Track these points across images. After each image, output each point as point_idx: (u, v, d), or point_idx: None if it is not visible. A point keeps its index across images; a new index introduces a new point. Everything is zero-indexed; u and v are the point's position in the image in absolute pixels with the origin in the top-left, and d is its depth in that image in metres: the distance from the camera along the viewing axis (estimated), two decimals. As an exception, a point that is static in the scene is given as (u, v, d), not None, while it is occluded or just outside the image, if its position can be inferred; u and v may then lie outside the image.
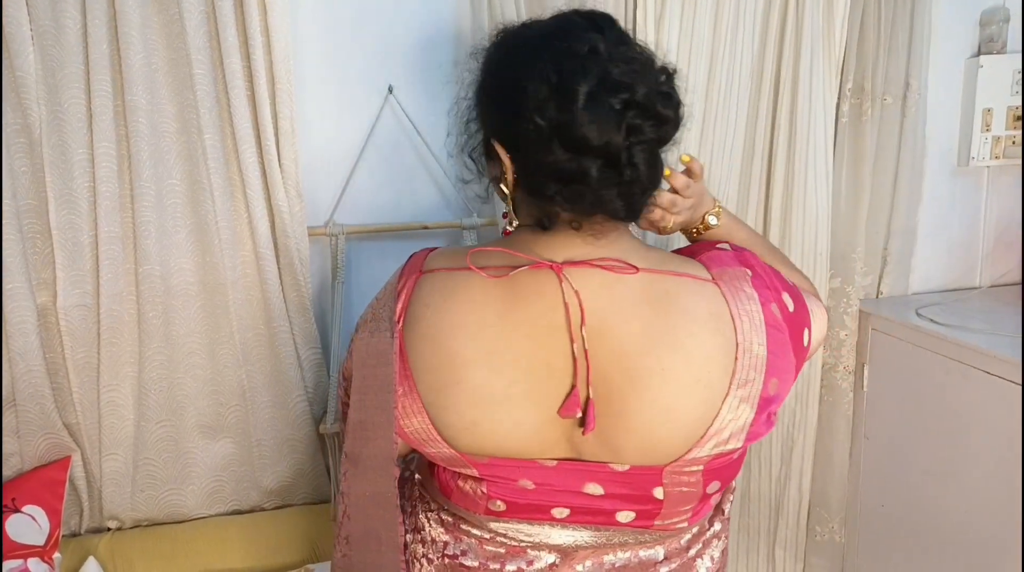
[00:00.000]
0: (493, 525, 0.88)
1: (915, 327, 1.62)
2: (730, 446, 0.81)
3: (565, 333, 0.78)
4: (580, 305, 0.78)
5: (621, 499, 0.84)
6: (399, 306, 0.84)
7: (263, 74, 1.30)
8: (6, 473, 1.33)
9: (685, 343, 0.78)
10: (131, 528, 1.42)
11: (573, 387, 0.79)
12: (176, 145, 1.32)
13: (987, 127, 1.75)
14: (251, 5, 1.27)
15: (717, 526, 0.95)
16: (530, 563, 0.88)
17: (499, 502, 0.86)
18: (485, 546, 0.89)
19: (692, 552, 0.92)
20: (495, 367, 0.80)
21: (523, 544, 0.88)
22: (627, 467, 0.82)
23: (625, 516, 0.85)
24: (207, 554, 1.38)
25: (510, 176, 0.80)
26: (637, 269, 0.79)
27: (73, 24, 1.23)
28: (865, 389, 1.76)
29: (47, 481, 1.32)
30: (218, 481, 1.45)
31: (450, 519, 0.92)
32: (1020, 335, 1.49)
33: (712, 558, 0.94)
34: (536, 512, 0.86)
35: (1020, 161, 1.76)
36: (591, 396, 0.78)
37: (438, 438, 0.83)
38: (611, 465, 0.82)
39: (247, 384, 1.41)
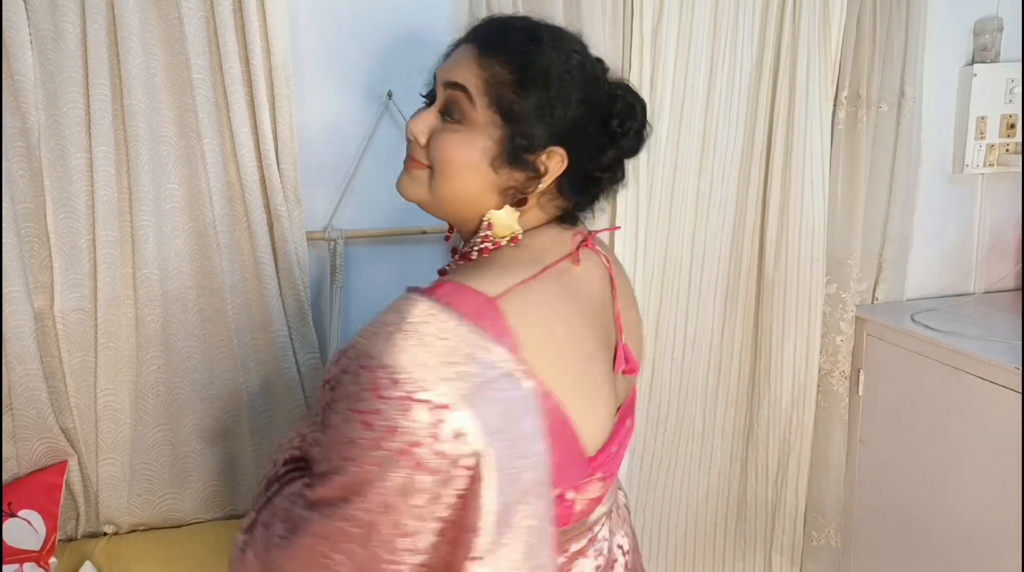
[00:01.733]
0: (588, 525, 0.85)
1: (910, 333, 1.63)
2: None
3: (611, 297, 0.88)
4: (610, 271, 0.88)
5: (632, 420, 0.92)
6: (508, 344, 0.70)
7: (262, 79, 1.31)
8: (3, 477, 1.33)
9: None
10: (128, 533, 1.42)
11: (617, 342, 0.87)
12: (175, 149, 1.32)
13: (981, 135, 1.76)
14: (250, 10, 1.28)
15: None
16: (600, 552, 0.87)
17: (600, 484, 0.81)
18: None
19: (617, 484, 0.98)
20: (596, 352, 0.82)
21: (595, 531, 0.86)
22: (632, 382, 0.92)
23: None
24: (204, 559, 1.38)
25: (550, 181, 0.82)
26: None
27: (72, 29, 1.23)
28: (861, 394, 1.77)
29: (44, 485, 1.31)
30: (215, 486, 1.44)
31: (562, 560, 0.83)
32: (1014, 340, 1.50)
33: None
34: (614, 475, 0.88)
35: (1015, 168, 1.77)
36: (625, 342, 0.88)
37: (579, 454, 0.77)
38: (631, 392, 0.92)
39: (244, 388, 1.41)
